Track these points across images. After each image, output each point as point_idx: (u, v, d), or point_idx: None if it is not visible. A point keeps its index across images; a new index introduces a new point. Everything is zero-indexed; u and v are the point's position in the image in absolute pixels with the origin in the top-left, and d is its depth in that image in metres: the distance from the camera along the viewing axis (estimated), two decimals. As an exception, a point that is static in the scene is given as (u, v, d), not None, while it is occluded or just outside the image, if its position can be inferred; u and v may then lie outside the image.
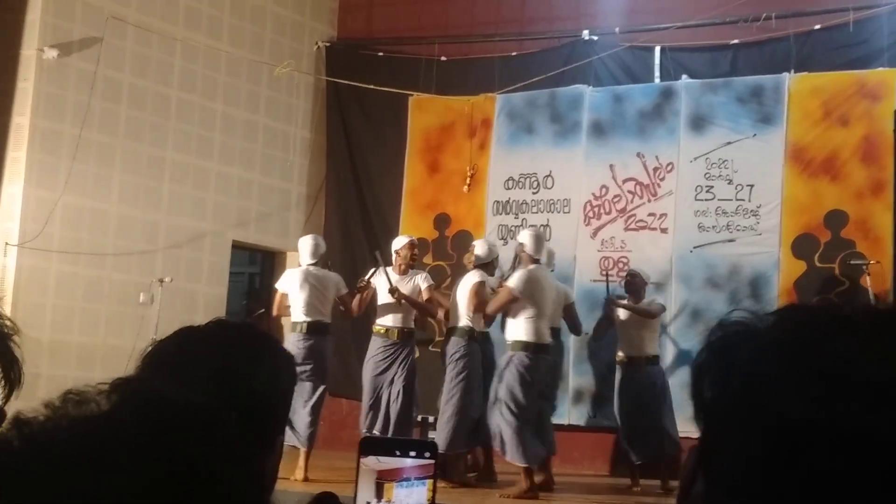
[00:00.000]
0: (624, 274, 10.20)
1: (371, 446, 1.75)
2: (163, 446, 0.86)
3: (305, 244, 9.52)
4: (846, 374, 0.82)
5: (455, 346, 8.96)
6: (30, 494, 0.81)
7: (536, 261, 8.77)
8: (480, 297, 8.85)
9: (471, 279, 9.00)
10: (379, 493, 1.69)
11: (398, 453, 1.72)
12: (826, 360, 0.83)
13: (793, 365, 0.84)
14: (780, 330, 0.89)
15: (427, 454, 1.72)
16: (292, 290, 9.22)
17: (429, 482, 1.70)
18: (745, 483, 0.85)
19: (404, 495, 1.69)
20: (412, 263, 9.46)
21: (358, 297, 9.39)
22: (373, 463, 1.71)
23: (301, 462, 8.73)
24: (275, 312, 9.57)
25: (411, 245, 9.49)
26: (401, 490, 1.69)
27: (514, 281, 8.59)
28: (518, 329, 8.55)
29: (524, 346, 8.51)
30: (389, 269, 9.34)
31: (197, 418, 0.92)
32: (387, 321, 9.28)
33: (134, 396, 0.92)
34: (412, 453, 1.72)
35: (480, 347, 9.07)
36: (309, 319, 9.08)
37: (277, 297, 9.44)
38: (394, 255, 9.46)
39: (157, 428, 0.87)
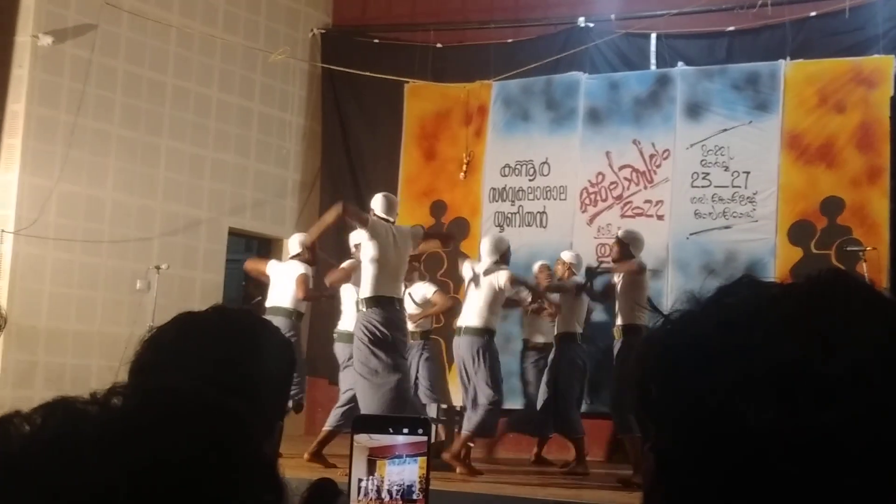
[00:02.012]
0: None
1: (364, 424, 1.76)
2: (185, 438, 0.87)
3: None
4: (765, 366, 0.81)
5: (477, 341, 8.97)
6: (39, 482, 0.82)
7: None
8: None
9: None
10: (371, 470, 1.70)
11: (391, 430, 1.72)
12: (744, 352, 0.82)
13: (711, 360, 0.84)
14: (699, 325, 0.87)
15: (420, 431, 1.72)
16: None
17: (421, 459, 1.70)
18: (697, 485, 0.84)
19: (396, 472, 1.69)
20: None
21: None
22: (365, 440, 1.72)
23: None
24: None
25: None
26: (393, 467, 1.69)
27: None
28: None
29: None
30: None
31: (217, 412, 0.92)
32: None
33: (156, 395, 0.93)
34: (405, 430, 1.72)
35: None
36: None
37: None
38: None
39: (181, 423, 0.88)
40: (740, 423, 0.81)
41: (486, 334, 8.87)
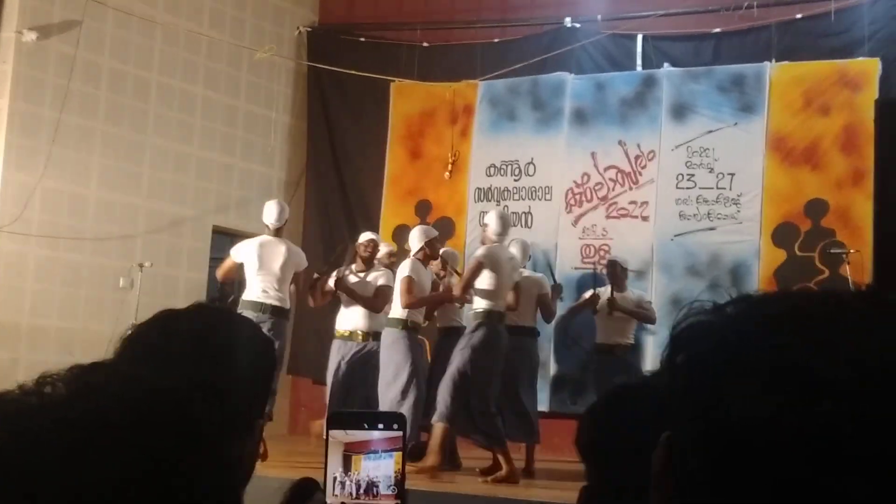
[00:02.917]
0: (604, 262, 10.19)
1: (339, 420, 1.75)
2: (124, 436, 0.86)
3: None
4: (797, 370, 0.81)
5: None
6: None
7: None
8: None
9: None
10: (346, 466, 1.69)
11: (366, 426, 1.72)
12: (777, 355, 0.82)
13: (737, 362, 0.84)
14: (729, 326, 0.88)
15: (395, 426, 1.72)
16: None
17: (396, 454, 1.69)
18: (700, 477, 0.84)
19: (372, 468, 1.68)
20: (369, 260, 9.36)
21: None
22: (341, 436, 1.71)
23: None
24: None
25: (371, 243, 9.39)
26: (368, 462, 1.69)
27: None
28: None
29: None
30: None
31: (161, 404, 0.91)
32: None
33: (99, 383, 0.91)
34: (380, 426, 1.72)
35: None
36: None
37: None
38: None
39: (122, 417, 0.87)
40: (737, 417, 0.81)
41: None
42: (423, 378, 8.81)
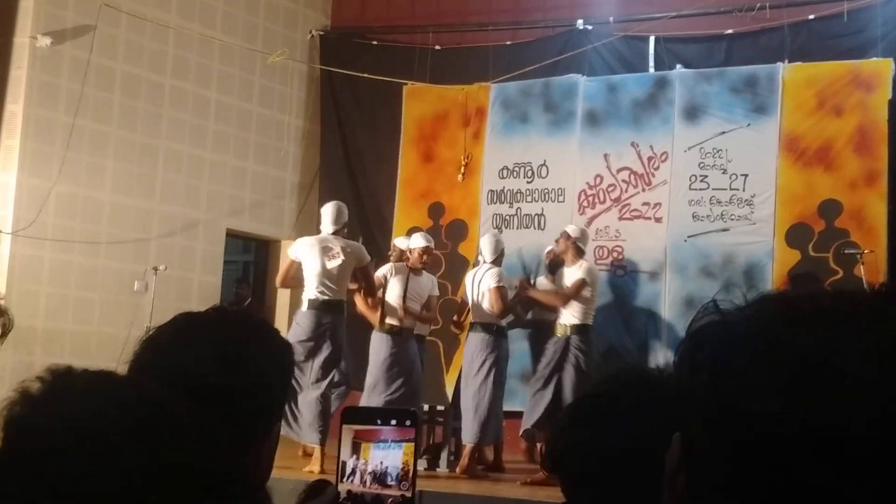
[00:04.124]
0: (618, 264, 10.24)
1: (353, 416, 1.77)
2: (141, 448, 0.87)
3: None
4: (815, 368, 0.81)
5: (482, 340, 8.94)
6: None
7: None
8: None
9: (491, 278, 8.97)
10: (356, 452, 1.70)
11: (379, 422, 1.73)
12: (794, 353, 0.82)
13: (759, 359, 0.84)
14: (751, 323, 0.88)
15: (408, 423, 1.73)
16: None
17: (406, 445, 1.70)
18: (716, 477, 0.84)
19: (380, 456, 1.69)
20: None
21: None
22: (353, 426, 1.73)
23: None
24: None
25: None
26: (377, 451, 1.70)
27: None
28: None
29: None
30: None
31: (172, 419, 0.93)
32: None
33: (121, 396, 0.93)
34: (392, 422, 1.73)
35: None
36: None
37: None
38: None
39: (133, 429, 0.89)
40: (752, 413, 0.81)
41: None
42: None
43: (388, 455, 1.70)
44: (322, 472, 7.96)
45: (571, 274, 9.02)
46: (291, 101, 12.53)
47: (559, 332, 8.93)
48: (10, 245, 9.83)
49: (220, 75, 11.73)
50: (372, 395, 8.67)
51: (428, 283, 9.22)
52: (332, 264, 8.62)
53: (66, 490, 0.85)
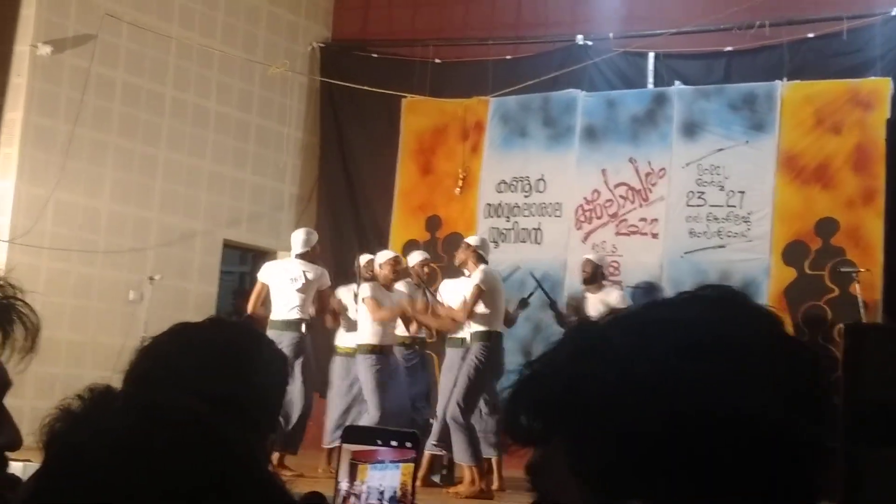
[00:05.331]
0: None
1: (353, 435, 1.76)
2: (179, 462, 0.88)
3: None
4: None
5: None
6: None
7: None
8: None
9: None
10: (353, 475, 1.69)
11: (379, 443, 1.72)
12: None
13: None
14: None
15: (408, 444, 1.72)
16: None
17: (403, 466, 1.69)
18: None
19: (378, 478, 1.69)
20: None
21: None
22: (352, 447, 1.73)
23: None
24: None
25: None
26: (375, 472, 1.69)
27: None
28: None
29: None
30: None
31: (208, 432, 0.94)
32: None
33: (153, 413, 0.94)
34: (393, 443, 1.72)
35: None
36: None
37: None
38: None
39: (176, 445, 0.89)
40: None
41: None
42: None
43: (386, 476, 1.69)
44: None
45: (469, 283, 8.86)
46: (291, 113, 12.55)
47: (466, 342, 8.79)
48: (8, 252, 9.82)
49: (221, 86, 11.75)
50: (366, 417, 8.73)
51: (402, 295, 9.21)
52: (296, 286, 8.99)
53: None
